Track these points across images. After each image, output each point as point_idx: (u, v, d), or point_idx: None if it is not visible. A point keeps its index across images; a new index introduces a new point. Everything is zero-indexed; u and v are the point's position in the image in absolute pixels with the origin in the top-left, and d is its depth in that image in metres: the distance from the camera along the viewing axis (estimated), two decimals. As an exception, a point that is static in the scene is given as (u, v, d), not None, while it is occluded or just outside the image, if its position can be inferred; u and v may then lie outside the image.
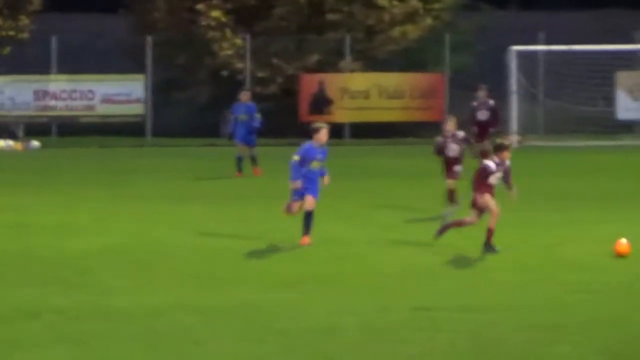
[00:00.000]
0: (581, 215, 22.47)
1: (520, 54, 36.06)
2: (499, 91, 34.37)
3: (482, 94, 30.77)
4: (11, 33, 38.62)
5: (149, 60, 37.71)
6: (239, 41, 37.02)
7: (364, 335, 12.59)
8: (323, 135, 18.44)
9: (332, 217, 19.95)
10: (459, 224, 18.14)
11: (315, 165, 18.74)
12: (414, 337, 12.52)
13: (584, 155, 33.57)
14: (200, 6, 36.84)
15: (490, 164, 17.34)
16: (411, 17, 37.53)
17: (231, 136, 29.58)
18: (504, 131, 32.19)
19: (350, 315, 13.62)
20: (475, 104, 30.62)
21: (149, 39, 37.63)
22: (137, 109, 36.95)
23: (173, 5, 38.33)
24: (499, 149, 17.05)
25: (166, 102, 37.69)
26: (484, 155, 29.29)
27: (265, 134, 31.43)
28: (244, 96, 29.70)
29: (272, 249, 18.78)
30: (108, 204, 24.46)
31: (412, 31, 37.20)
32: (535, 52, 36.72)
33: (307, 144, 18.58)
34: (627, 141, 35.13)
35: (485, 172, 17.17)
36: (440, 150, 21.35)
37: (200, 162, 32.10)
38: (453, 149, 21.39)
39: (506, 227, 18.51)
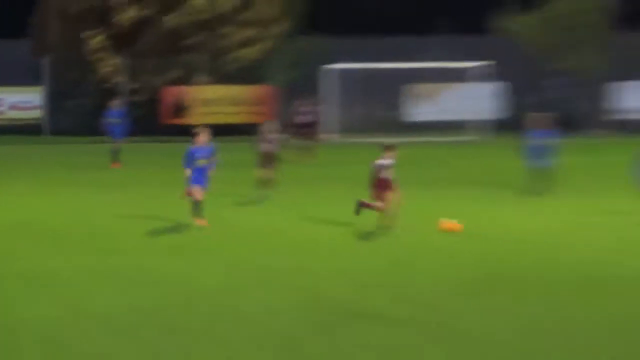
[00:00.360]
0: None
1: (335, 71, 40.85)
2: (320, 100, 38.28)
3: (306, 102, 35.10)
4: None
5: (46, 75, 42.03)
6: (117, 61, 41.15)
7: (215, 291, 13.80)
8: (200, 138, 20.41)
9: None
10: (373, 207, 19.07)
11: (200, 162, 20.46)
12: (254, 294, 13.65)
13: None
14: (85, 34, 40.93)
15: (383, 161, 19.08)
16: (251, 41, 41.82)
17: (107, 135, 32.27)
18: (322, 131, 36.38)
19: (205, 274, 15.02)
20: (301, 109, 34.73)
21: (46, 59, 41.71)
22: (38, 114, 41.88)
23: (64, 33, 41.88)
24: (389, 149, 18.49)
25: (61, 109, 41.78)
26: (308, 150, 32.39)
27: (137, 133, 35.19)
28: (114, 104, 33.18)
29: (157, 225, 19.87)
30: (20, 187, 26.35)
31: (252, 53, 41.64)
32: (347, 69, 41.12)
33: (190, 148, 20.51)
34: (413, 138, 38.44)
35: (380, 169, 18.75)
36: (258, 147, 24.02)
37: (90, 156, 34.50)
38: (267, 147, 23.83)
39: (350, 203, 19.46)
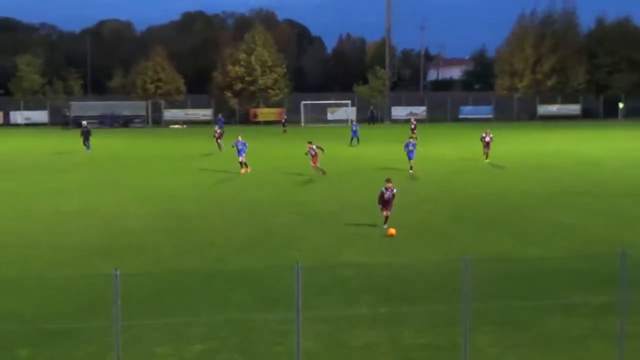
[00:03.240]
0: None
1: (304, 104, 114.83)
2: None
3: (285, 115, 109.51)
4: None
5: (213, 107, 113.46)
6: (235, 100, 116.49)
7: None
8: (239, 138, 48.31)
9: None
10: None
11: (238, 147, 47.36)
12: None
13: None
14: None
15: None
16: (276, 92, 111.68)
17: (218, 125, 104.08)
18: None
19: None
20: (284, 117, 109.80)
21: (212, 101, 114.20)
22: (209, 118, 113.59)
23: (217, 92, 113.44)
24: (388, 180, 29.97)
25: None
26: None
27: (240, 123, 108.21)
28: (219, 116, 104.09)
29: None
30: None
31: (275, 95, 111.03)
32: (308, 103, 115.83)
33: (236, 142, 47.77)
34: (329, 125, 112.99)
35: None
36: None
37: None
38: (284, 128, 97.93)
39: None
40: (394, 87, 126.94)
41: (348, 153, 61.86)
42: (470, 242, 27.41)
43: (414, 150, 47.79)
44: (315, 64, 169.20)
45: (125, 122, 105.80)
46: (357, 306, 19.52)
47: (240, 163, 47.08)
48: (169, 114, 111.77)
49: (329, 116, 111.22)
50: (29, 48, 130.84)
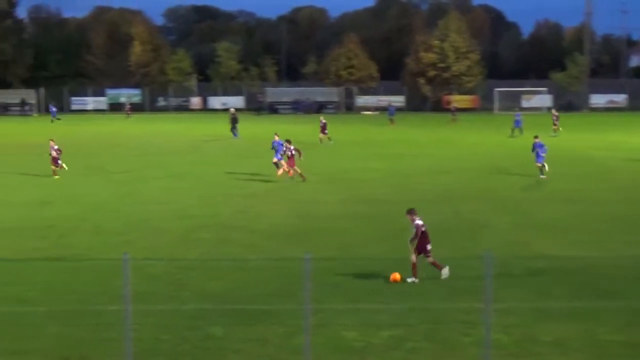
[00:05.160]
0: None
1: (499, 91, 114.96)
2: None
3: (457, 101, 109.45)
4: None
5: (405, 92, 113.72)
6: (427, 87, 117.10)
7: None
8: (275, 138, 52.64)
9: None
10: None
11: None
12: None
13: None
14: (419, 80, 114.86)
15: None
16: (469, 79, 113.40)
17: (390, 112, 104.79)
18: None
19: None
20: (453, 104, 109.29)
21: (405, 88, 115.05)
22: (403, 102, 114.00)
23: (411, 78, 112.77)
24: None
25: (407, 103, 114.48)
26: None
27: (428, 110, 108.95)
28: (391, 102, 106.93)
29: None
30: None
31: (469, 82, 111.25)
32: (501, 89, 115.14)
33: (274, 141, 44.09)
34: (520, 111, 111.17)
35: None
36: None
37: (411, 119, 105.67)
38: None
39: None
40: (593, 74, 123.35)
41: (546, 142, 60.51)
42: (671, 237, 26.29)
43: (542, 152, 40.87)
44: (510, 50, 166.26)
45: (319, 108, 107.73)
46: (549, 300, 19.08)
47: (275, 164, 41.14)
48: (361, 100, 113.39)
49: (524, 103, 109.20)
50: (227, 35, 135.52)
